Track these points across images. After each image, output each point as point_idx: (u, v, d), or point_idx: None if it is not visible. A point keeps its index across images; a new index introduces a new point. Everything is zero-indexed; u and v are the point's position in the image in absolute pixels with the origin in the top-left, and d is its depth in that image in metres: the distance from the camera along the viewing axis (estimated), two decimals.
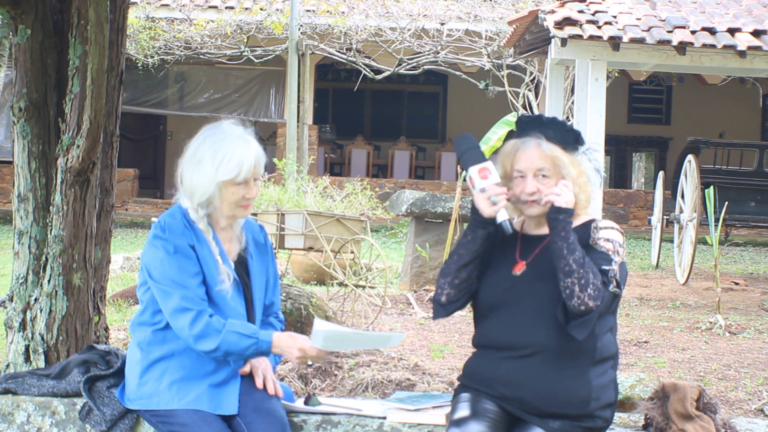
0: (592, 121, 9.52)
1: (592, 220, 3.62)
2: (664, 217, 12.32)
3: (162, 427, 3.64)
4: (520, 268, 3.56)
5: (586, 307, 3.39)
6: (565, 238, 3.43)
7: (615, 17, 9.85)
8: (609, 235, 3.54)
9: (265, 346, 3.62)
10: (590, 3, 10.09)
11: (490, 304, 3.57)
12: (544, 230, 3.59)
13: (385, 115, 23.11)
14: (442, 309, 3.63)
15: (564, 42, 9.60)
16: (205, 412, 3.59)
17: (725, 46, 9.53)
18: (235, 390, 3.67)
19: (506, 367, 3.50)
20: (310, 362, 3.67)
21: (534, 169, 3.54)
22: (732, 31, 9.70)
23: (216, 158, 3.62)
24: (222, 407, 3.63)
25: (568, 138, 3.57)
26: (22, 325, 4.47)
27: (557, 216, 3.47)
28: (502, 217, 3.52)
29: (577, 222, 3.58)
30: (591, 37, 9.52)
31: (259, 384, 3.72)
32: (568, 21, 9.62)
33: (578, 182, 3.55)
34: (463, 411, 3.49)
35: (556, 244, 3.44)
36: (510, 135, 3.63)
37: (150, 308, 3.72)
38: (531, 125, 3.59)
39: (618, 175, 22.99)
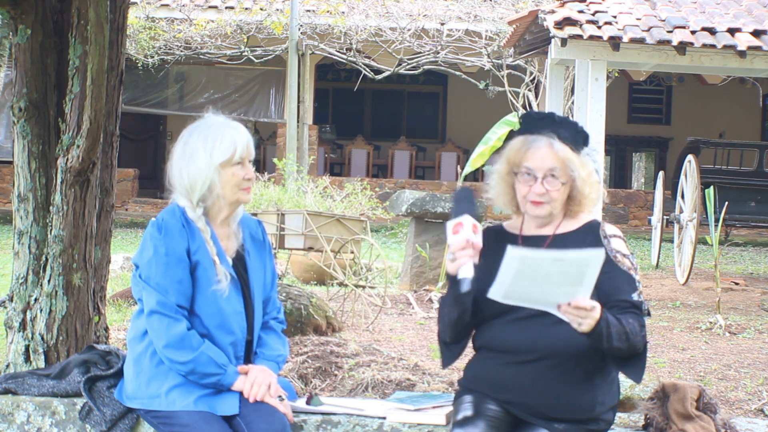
0: (592, 121, 9.52)
1: (594, 222, 3.56)
2: (664, 217, 12.31)
3: (163, 428, 3.63)
4: None
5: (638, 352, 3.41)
6: (605, 342, 3.32)
7: (615, 17, 9.84)
8: (622, 248, 3.52)
9: (226, 381, 3.61)
10: (590, 3, 10.09)
11: (492, 312, 3.45)
12: (546, 230, 3.52)
13: (385, 115, 23.11)
14: (448, 350, 3.56)
15: (564, 42, 9.59)
16: (207, 413, 3.59)
17: (725, 46, 9.53)
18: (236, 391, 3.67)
19: (511, 373, 3.44)
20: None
21: (545, 170, 3.43)
22: (732, 31, 9.69)
23: (207, 144, 3.66)
24: (223, 408, 3.62)
25: (578, 139, 3.48)
26: (22, 325, 4.47)
27: (590, 339, 3.32)
28: (463, 273, 3.33)
29: (578, 224, 3.53)
30: (591, 37, 9.52)
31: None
32: (568, 21, 9.61)
33: (588, 182, 3.48)
34: (467, 412, 3.45)
35: (603, 346, 3.35)
36: (512, 132, 3.56)
37: None
38: (542, 123, 3.48)
39: (618, 175, 22.98)
